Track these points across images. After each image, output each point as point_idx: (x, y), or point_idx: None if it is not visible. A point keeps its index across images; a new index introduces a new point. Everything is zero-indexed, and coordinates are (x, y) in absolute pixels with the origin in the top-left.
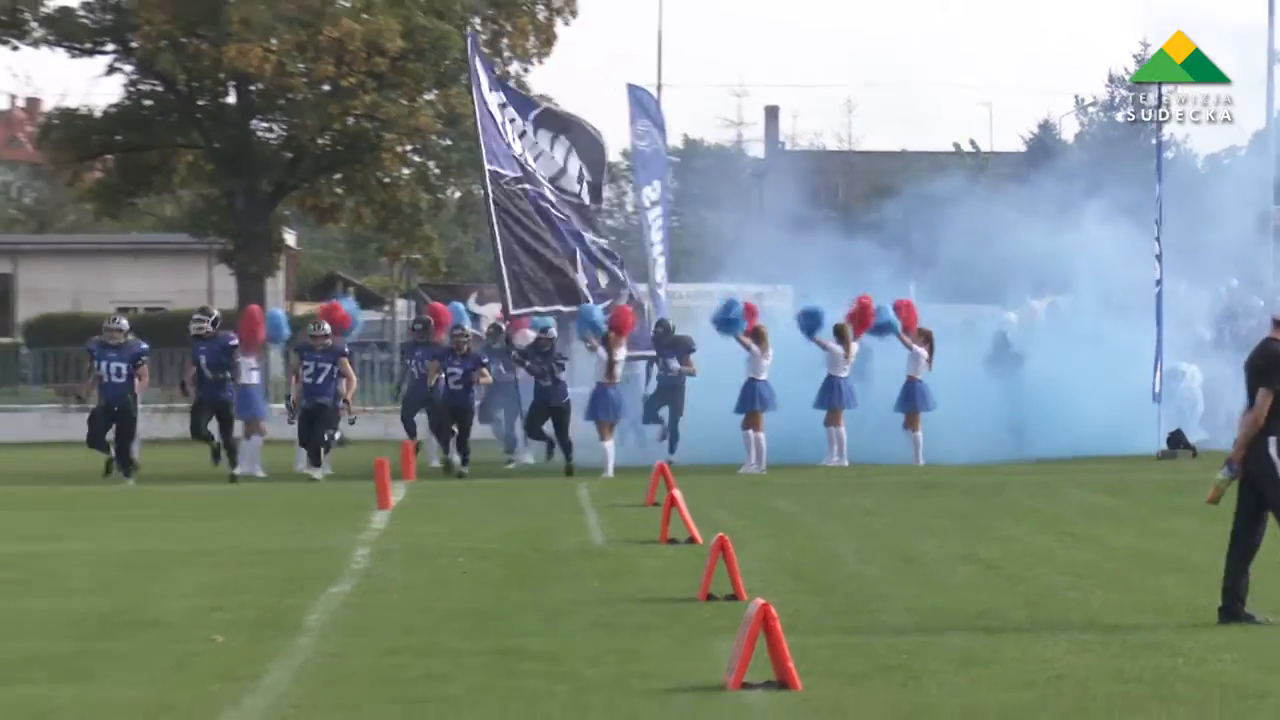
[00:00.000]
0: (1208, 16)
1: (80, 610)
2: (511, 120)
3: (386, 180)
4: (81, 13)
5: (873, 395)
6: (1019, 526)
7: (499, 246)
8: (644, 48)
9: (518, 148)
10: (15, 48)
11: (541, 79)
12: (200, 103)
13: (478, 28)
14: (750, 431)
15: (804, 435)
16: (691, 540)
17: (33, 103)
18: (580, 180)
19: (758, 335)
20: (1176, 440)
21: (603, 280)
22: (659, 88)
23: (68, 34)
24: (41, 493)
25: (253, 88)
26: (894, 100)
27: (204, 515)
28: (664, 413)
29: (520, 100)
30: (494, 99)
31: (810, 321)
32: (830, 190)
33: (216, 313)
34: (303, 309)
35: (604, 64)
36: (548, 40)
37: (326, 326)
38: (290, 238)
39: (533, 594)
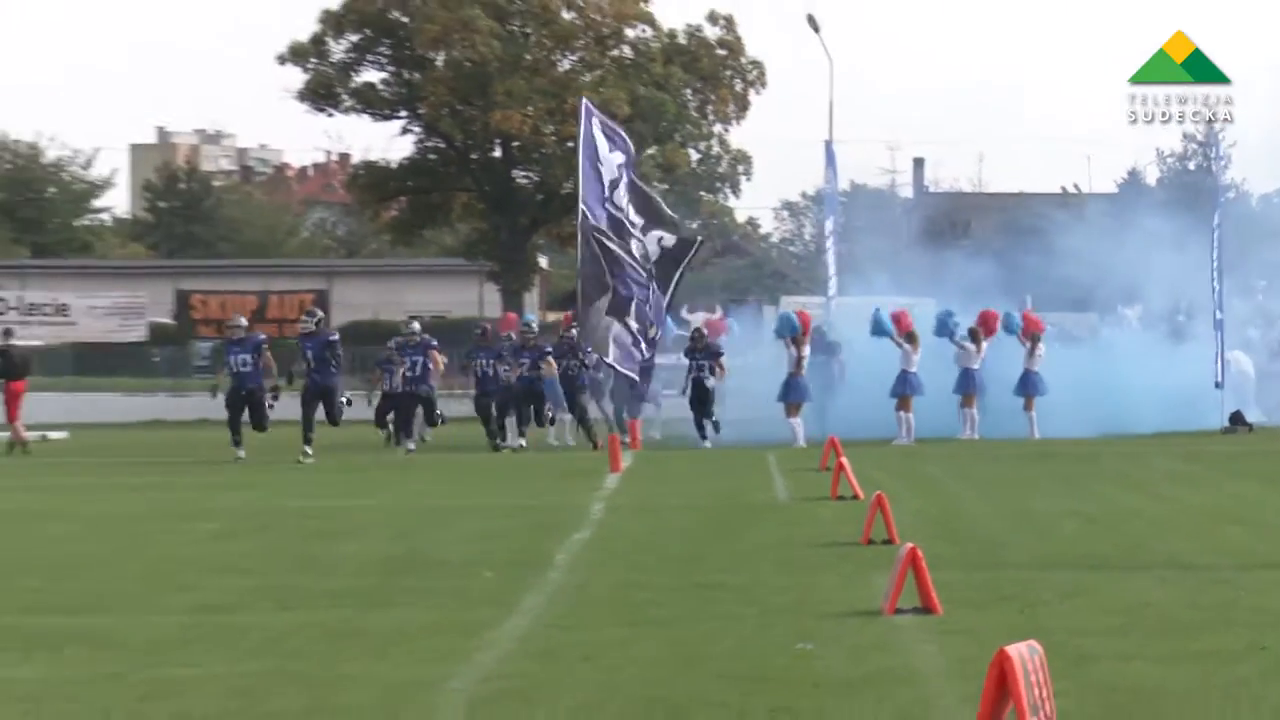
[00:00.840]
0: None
1: (379, 553)
2: (621, 180)
3: None
4: (381, 87)
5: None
6: (1113, 487)
7: (580, 265)
8: (816, 109)
9: (618, 199)
10: (330, 114)
11: (738, 136)
12: (473, 156)
13: (689, 98)
14: (902, 412)
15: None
16: (855, 497)
17: (343, 157)
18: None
19: (910, 337)
20: (1237, 418)
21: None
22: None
23: (371, 103)
24: (348, 459)
25: (514, 144)
26: (1017, 151)
27: (469, 478)
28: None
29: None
30: (615, 158)
31: (942, 326)
32: (964, 224)
33: (320, 313)
34: (552, 316)
35: (785, 123)
36: (743, 106)
37: (416, 325)
38: (543, 261)
39: (730, 539)
